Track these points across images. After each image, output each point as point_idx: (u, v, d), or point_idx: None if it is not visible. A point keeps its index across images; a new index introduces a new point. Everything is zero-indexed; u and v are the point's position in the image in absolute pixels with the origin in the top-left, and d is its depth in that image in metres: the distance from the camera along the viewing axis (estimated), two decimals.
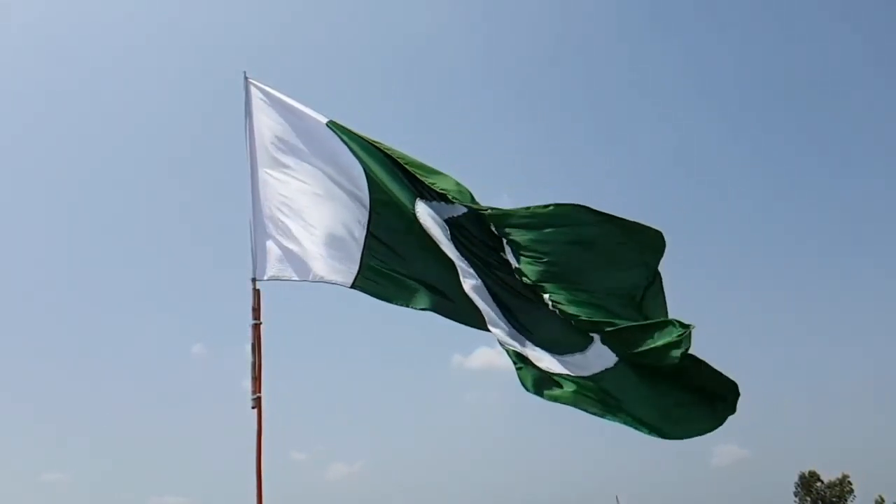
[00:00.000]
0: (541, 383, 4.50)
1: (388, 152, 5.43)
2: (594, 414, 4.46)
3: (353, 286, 5.16)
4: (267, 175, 5.55)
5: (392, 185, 5.31)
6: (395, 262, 5.18)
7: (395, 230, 5.26)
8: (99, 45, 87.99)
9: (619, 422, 4.46)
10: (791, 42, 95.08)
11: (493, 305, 4.81)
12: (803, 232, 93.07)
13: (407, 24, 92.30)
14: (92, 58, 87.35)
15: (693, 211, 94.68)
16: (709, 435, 4.87)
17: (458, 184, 5.26)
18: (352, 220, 5.35)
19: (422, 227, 5.07)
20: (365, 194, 5.40)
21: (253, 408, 4.86)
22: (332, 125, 5.60)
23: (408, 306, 5.09)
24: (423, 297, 5.08)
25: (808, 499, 55.31)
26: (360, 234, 5.29)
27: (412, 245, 5.18)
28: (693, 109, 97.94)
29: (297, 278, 5.23)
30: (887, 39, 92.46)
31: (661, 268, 4.81)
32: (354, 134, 5.55)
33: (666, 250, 4.76)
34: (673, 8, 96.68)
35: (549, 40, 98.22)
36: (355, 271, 5.18)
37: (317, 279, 5.22)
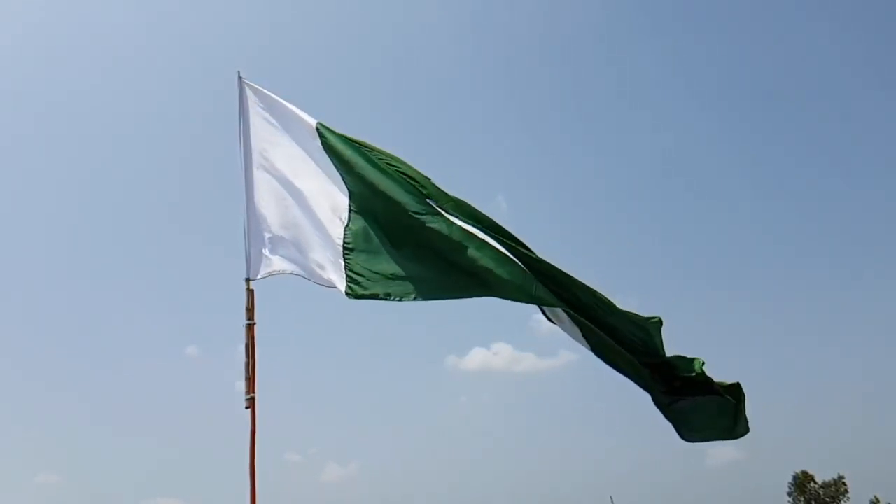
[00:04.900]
0: None
1: (378, 155, 5.41)
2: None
3: (347, 294, 5.11)
4: (260, 176, 5.54)
5: (382, 182, 5.30)
6: (378, 260, 5.15)
7: (380, 227, 5.24)
8: (97, 46, 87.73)
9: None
10: (781, 45, 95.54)
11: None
12: (795, 234, 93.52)
13: (399, 27, 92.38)
14: (90, 58, 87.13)
15: (683, 214, 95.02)
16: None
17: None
18: (338, 223, 5.34)
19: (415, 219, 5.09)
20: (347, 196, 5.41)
21: (247, 408, 4.86)
22: (321, 127, 5.56)
23: (401, 300, 5.03)
24: (414, 289, 5.02)
25: (802, 499, 55.50)
26: (351, 237, 5.28)
27: (400, 237, 5.16)
28: (683, 112, 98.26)
29: (287, 272, 5.24)
30: (878, 39, 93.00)
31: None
32: (342, 136, 5.50)
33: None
34: (666, 11, 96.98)
35: (540, 43, 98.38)
36: (345, 277, 5.16)
37: (310, 278, 5.23)
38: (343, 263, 5.16)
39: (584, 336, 4.93)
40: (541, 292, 4.74)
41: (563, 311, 4.89)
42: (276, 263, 5.28)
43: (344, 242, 5.23)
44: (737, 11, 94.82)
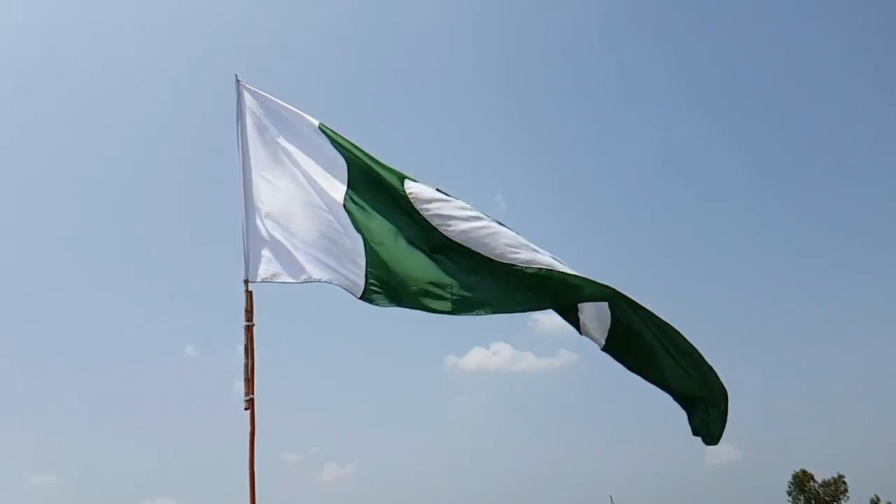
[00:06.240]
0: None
1: (377, 161, 5.45)
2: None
3: (361, 297, 5.13)
4: (260, 177, 5.55)
5: (383, 181, 5.33)
6: (391, 267, 5.16)
7: (387, 232, 5.26)
8: (97, 46, 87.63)
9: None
10: (781, 43, 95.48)
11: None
12: (795, 233, 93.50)
13: (398, 28, 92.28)
14: (89, 58, 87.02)
15: (684, 213, 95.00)
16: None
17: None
18: (344, 227, 5.36)
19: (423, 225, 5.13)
20: (357, 195, 5.43)
21: (246, 409, 4.87)
22: (323, 128, 5.62)
23: (414, 308, 5.07)
24: (424, 299, 5.01)
25: (801, 498, 55.53)
26: (357, 242, 5.29)
27: (408, 248, 5.18)
28: (683, 111, 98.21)
29: (289, 280, 5.24)
30: (878, 39, 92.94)
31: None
32: (344, 139, 5.56)
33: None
34: (665, 10, 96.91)
35: (539, 42, 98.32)
36: (360, 283, 5.16)
37: (310, 280, 5.24)
38: (364, 269, 5.18)
39: (611, 321, 4.92)
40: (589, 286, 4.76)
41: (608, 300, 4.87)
42: (275, 267, 5.26)
43: (364, 241, 5.25)
44: (736, 11, 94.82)
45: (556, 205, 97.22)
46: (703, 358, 4.90)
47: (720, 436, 4.97)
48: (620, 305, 4.88)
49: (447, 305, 4.91)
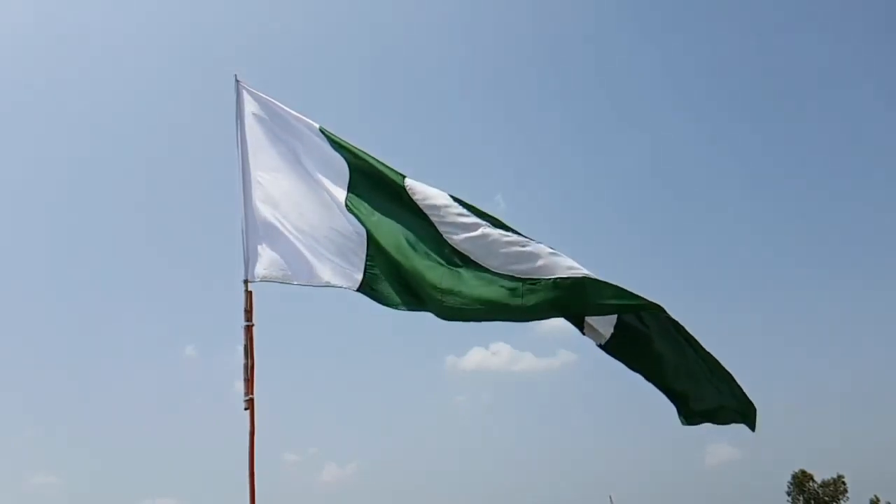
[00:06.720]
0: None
1: (378, 161, 5.45)
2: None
3: (358, 289, 5.16)
4: (260, 177, 5.56)
5: (385, 182, 5.35)
6: (393, 265, 5.17)
7: (389, 232, 5.27)
8: (96, 46, 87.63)
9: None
10: (772, 46, 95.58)
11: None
12: (795, 234, 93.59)
13: (398, 28, 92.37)
14: (89, 58, 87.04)
15: (684, 213, 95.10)
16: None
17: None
18: (346, 224, 5.36)
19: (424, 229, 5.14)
20: (357, 196, 5.43)
21: (245, 409, 4.87)
22: (324, 131, 5.63)
23: (414, 310, 5.09)
24: (425, 300, 5.00)
25: (801, 498, 55.56)
26: (360, 239, 5.30)
27: (410, 249, 5.19)
28: (682, 111, 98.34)
29: (290, 281, 5.25)
30: (875, 39, 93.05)
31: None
32: (344, 141, 5.58)
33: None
34: (656, 14, 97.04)
35: (538, 44, 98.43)
36: (358, 276, 5.18)
37: (311, 282, 5.24)
38: (363, 267, 5.19)
39: (617, 318, 4.85)
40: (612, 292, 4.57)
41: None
42: (275, 267, 5.26)
43: (366, 240, 5.25)
44: (726, 14, 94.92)
45: (556, 204, 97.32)
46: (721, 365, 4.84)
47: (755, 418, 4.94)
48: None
49: (445, 310, 4.90)
